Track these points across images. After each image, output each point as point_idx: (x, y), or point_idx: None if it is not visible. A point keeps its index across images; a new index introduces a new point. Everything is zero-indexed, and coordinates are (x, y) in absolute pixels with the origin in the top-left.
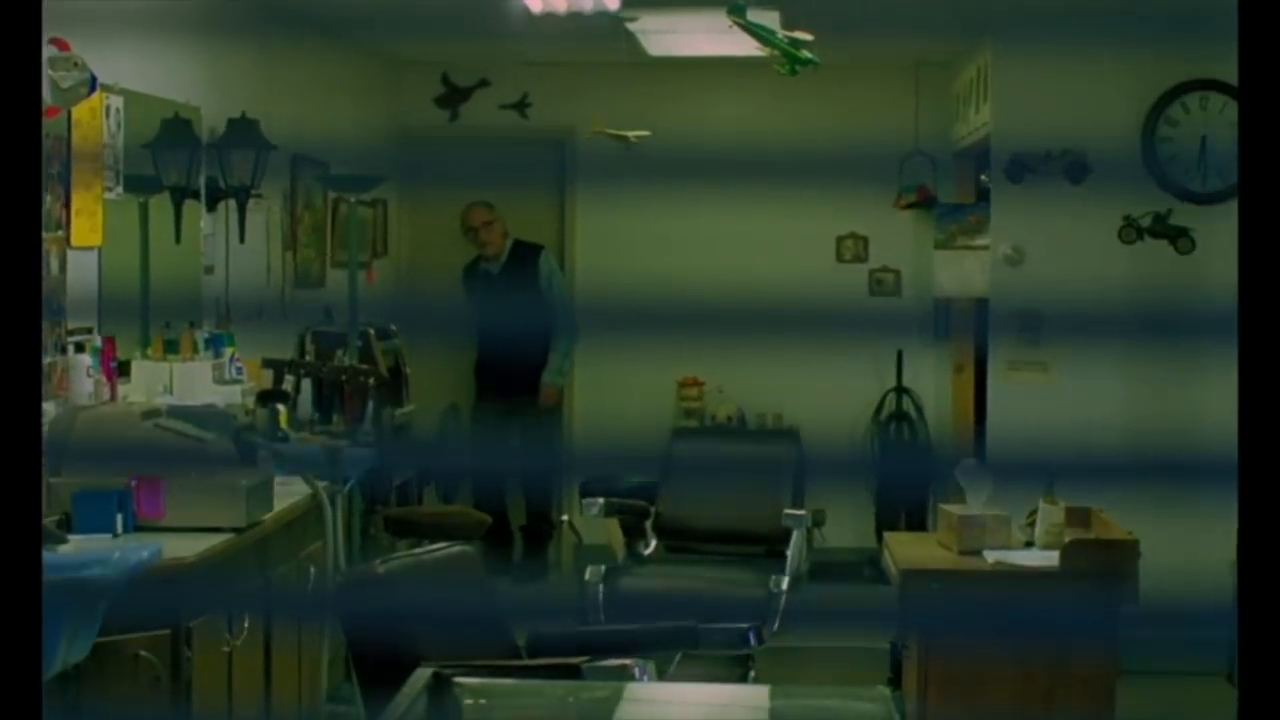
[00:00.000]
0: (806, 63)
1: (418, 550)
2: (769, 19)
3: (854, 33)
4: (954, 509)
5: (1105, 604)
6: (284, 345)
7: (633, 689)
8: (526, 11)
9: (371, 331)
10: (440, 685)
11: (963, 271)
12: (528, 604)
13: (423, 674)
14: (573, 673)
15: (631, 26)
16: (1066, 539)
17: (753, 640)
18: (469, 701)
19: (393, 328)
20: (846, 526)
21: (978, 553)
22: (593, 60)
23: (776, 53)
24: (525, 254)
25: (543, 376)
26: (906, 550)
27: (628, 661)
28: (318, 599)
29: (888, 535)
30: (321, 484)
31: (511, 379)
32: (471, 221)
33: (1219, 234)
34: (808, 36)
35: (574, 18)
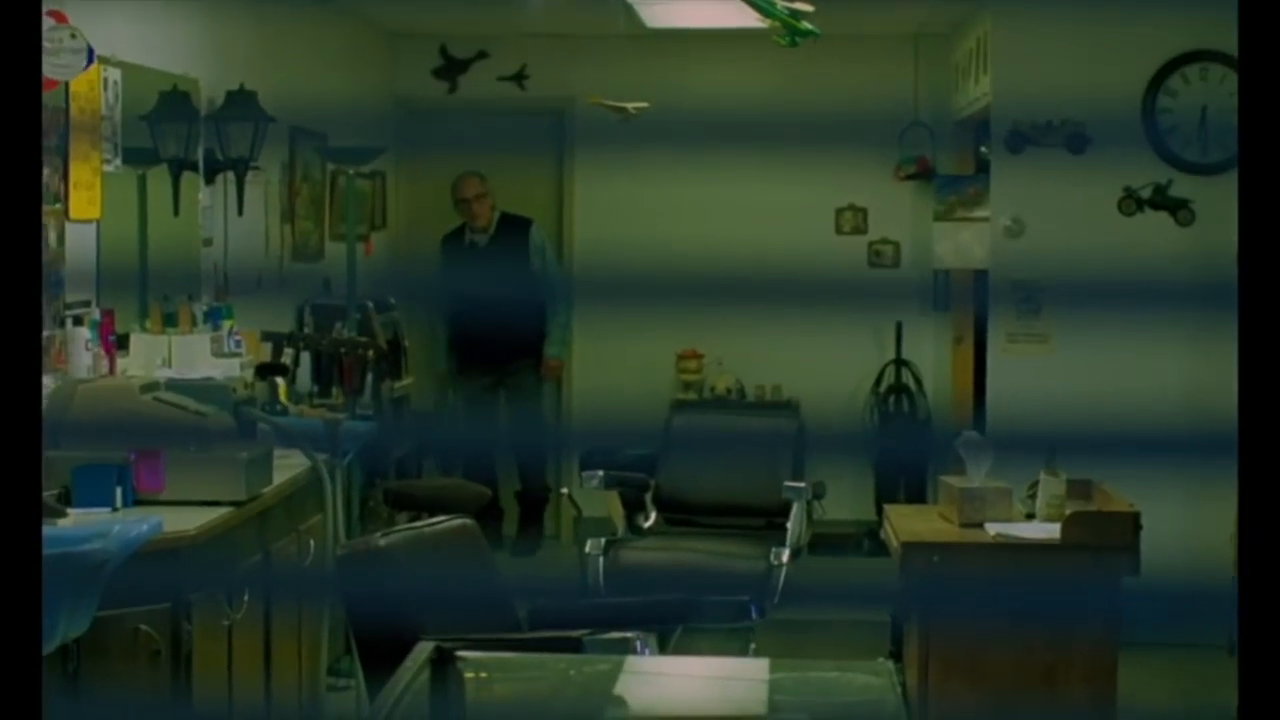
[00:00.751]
0: (807, 34)
1: (418, 523)
2: None
3: (853, 3)
4: (955, 481)
5: (1107, 576)
6: (282, 318)
7: (633, 662)
8: None
9: (370, 304)
10: (442, 659)
11: (961, 243)
12: (527, 576)
13: (425, 647)
14: (574, 646)
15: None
16: (1068, 511)
17: (754, 613)
18: (470, 675)
19: (391, 300)
20: (845, 499)
21: (979, 525)
22: (591, 32)
23: (777, 24)
24: (514, 226)
25: (545, 350)
26: (907, 523)
27: (629, 634)
28: (318, 572)
29: (888, 508)
30: (321, 457)
31: (498, 351)
32: (464, 193)
33: (1219, 205)
34: (808, 7)
35: None
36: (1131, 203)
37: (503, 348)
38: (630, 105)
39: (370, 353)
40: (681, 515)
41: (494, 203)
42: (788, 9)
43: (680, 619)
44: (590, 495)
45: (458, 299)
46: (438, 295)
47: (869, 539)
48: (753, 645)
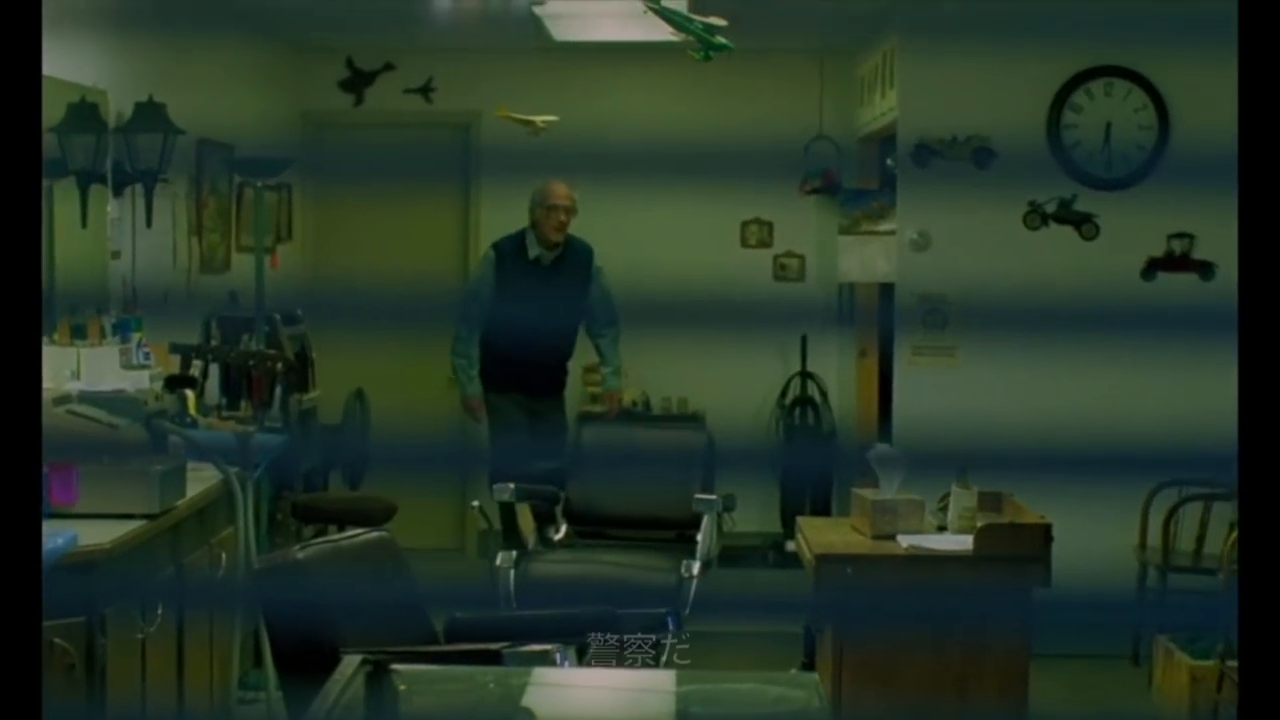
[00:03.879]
0: (721, 48)
1: (336, 536)
2: (678, 4)
3: (759, 19)
4: (867, 494)
5: (1019, 587)
6: (190, 330)
7: (540, 674)
8: None
9: (277, 317)
10: (375, 672)
11: (866, 257)
12: (441, 589)
13: (352, 661)
14: (494, 658)
15: (539, 11)
16: (979, 523)
17: (672, 625)
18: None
19: (299, 313)
20: (751, 511)
21: (891, 537)
22: (499, 46)
23: (691, 39)
24: (578, 250)
25: (605, 383)
26: (820, 535)
27: (549, 647)
28: (236, 586)
29: (800, 520)
30: (232, 470)
31: (535, 380)
32: (559, 199)
33: (1123, 220)
34: (722, 22)
35: (483, 2)
36: (1036, 217)
37: (541, 377)
38: (538, 119)
39: (279, 365)
40: (592, 528)
41: None
42: (703, 24)
43: (598, 631)
44: (499, 508)
45: (508, 318)
46: (483, 309)
47: (774, 551)
48: (664, 657)
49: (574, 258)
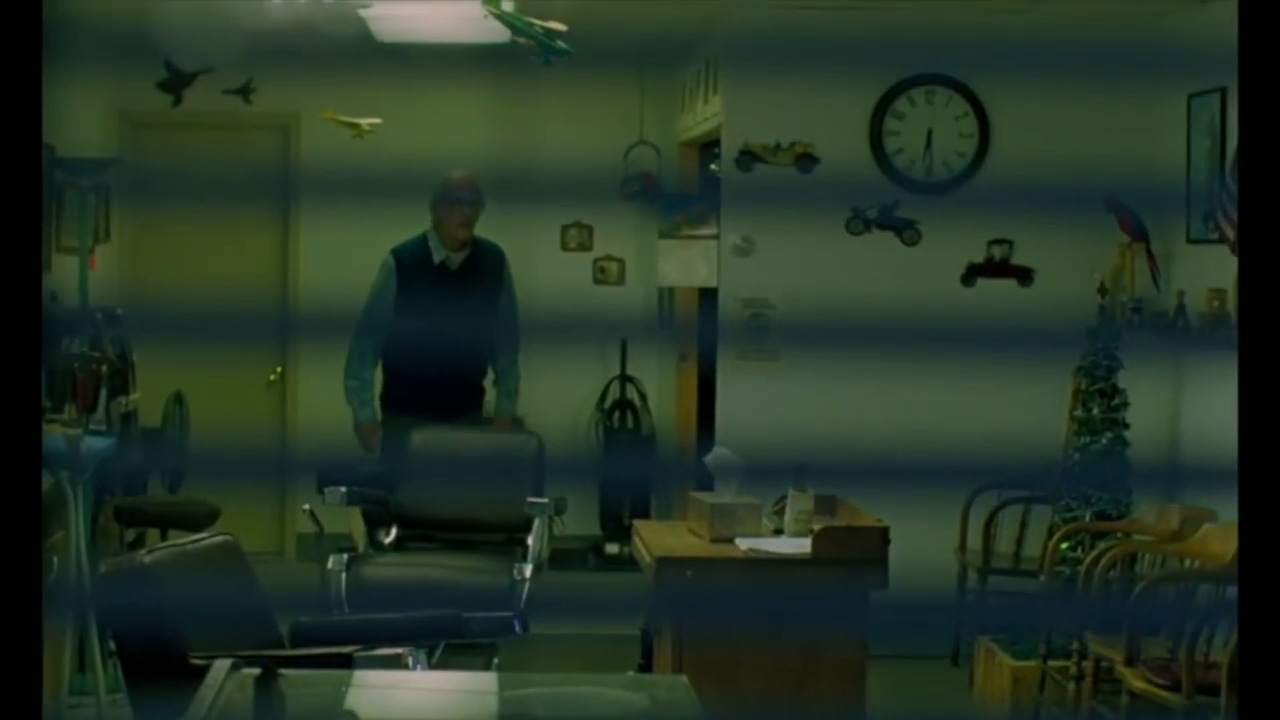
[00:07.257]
0: (562, 53)
1: (181, 540)
2: (508, 7)
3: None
4: (705, 497)
5: (856, 589)
6: None
7: (360, 676)
8: None
9: (100, 318)
10: (267, 675)
11: (686, 261)
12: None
13: (222, 665)
14: (345, 662)
15: (364, 13)
16: (816, 527)
17: (518, 628)
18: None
19: (119, 313)
20: (570, 515)
21: (729, 540)
22: (322, 46)
23: (531, 43)
24: (488, 252)
25: (498, 403)
26: (658, 538)
27: (401, 650)
28: (80, 590)
29: (638, 523)
30: (63, 474)
31: (445, 401)
32: (462, 190)
33: (944, 225)
34: (562, 27)
35: (310, 2)
36: (859, 223)
37: (456, 396)
38: (363, 121)
39: (104, 368)
40: (422, 531)
41: None
42: (543, 28)
43: (443, 635)
44: (330, 511)
45: (415, 332)
46: (383, 324)
47: (594, 554)
48: (496, 660)
49: (484, 260)
